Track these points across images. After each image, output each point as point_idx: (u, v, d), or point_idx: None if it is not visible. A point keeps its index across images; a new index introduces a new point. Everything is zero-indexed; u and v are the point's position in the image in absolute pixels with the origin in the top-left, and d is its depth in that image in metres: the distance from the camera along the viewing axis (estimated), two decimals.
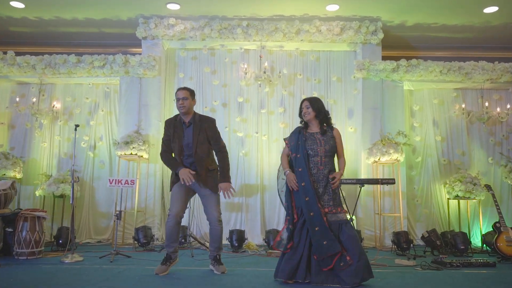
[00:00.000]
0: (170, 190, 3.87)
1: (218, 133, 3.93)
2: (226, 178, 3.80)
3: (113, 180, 4.71)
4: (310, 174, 3.42)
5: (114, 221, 4.72)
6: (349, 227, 3.43)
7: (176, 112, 3.93)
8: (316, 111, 3.56)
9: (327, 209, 3.41)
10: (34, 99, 6.43)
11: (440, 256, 4.70)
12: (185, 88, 3.87)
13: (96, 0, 5.94)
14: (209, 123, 3.88)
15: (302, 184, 3.41)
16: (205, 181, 3.77)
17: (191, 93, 3.87)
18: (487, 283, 3.55)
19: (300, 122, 3.72)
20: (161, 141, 3.97)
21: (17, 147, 6.53)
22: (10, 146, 6.52)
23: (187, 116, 3.84)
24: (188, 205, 4.18)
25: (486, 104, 6.51)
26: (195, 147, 3.74)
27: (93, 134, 6.60)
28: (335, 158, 3.65)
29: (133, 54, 6.68)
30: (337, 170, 3.62)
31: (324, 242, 3.27)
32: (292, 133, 3.68)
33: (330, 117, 3.67)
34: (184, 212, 3.85)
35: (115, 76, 6.46)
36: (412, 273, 4.01)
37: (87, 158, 6.52)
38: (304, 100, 3.67)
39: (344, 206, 4.15)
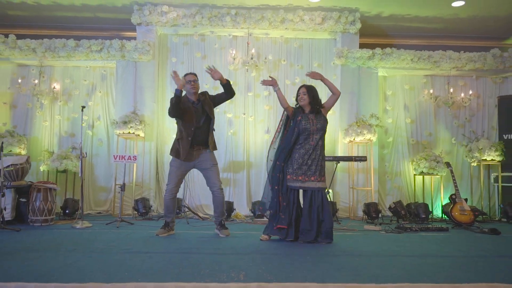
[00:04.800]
0: (172, 163, 4.39)
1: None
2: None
3: (117, 156, 5.24)
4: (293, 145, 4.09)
5: (119, 192, 5.26)
6: (324, 194, 4.09)
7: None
8: (311, 98, 4.16)
9: (313, 178, 4.05)
10: (36, 81, 6.83)
11: (403, 222, 5.44)
12: (193, 73, 4.46)
13: None
14: (207, 94, 4.52)
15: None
16: (212, 147, 4.40)
17: (196, 75, 4.46)
18: (438, 242, 4.27)
19: (295, 105, 4.31)
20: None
21: (19, 126, 6.95)
22: (13, 125, 6.94)
23: (194, 96, 4.38)
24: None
25: (452, 90, 7.21)
26: (209, 113, 4.35)
27: (91, 114, 7.06)
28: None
29: (127, 38, 7.13)
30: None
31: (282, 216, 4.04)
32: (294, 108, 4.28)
33: (322, 105, 4.24)
34: (179, 187, 4.44)
35: (111, 60, 6.90)
36: (377, 235, 4.72)
37: (86, 136, 7.00)
38: (302, 86, 4.26)
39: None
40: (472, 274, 2.76)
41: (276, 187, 4.12)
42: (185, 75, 4.44)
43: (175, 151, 4.38)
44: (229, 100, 6.99)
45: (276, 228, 4.07)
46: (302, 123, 4.09)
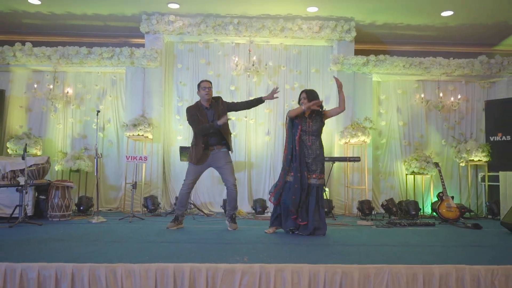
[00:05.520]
0: (191, 163, 4.77)
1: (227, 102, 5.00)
2: (260, 98, 4.93)
3: (129, 156, 5.68)
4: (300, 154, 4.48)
5: (131, 190, 5.70)
6: (321, 191, 4.51)
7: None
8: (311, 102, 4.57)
9: (314, 175, 4.47)
10: (51, 86, 7.28)
11: (393, 218, 5.87)
12: (208, 80, 4.87)
13: None
14: (221, 99, 4.92)
15: (289, 156, 4.49)
16: (227, 147, 4.80)
17: (211, 82, 4.90)
18: (422, 235, 4.70)
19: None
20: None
21: (34, 128, 7.40)
22: (28, 127, 7.39)
23: (207, 102, 4.80)
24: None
25: (441, 94, 7.64)
26: (219, 117, 4.70)
27: (102, 117, 7.50)
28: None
29: (136, 45, 7.59)
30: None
31: (293, 197, 4.38)
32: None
33: (322, 108, 4.63)
34: (195, 184, 4.88)
35: (121, 66, 7.35)
36: (368, 230, 5.15)
37: (97, 138, 7.42)
38: (303, 91, 4.66)
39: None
40: (443, 259, 3.19)
41: (296, 186, 4.43)
42: (201, 82, 4.86)
43: (189, 156, 4.82)
44: None
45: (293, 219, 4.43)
46: (300, 125, 4.52)
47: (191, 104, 5.11)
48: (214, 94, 7.36)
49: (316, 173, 4.47)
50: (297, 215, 4.41)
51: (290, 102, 7.64)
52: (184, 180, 4.85)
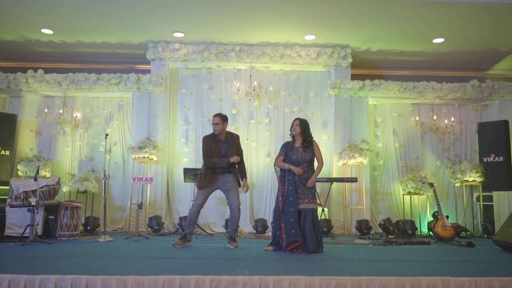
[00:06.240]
0: (198, 189, 5.07)
1: (241, 148, 5.30)
2: (245, 176, 5.18)
3: (135, 177, 5.94)
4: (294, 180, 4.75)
5: (136, 210, 5.94)
6: (315, 215, 4.75)
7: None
8: (302, 129, 4.90)
9: (306, 200, 4.74)
10: (61, 110, 7.61)
11: (389, 237, 6.07)
12: (218, 115, 5.12)
13: (113, 28, 7.12)
14: (237, 138, 5.24)
15: (290, 188, 4.73)
16: (236, 173, 5.09)
17: (222, 118, 5.11)
18: (417, 252, 4.89)
19: (290, 135, 5.03)
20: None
21: (43, 151, 7.69)
22: (38, 150, 7.68)
23: (221, 135, 5.10)
24: (192, 199, 5.74)
25: (435, 117, 7.93)
26: (230, 155, 5.01)
27: (109, 140, 7.77)
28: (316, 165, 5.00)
29: (141, 70, 7.97)
30: (323, 169, 4.96)
31: (292, 231, 4.59)
32: (283, 145, 5.01)
33: (311, 137, 4.97)
34: (204, 204, 5.11)
35: (128, 91, 7.69)
36: (365, 248, 5.34)
37: (104, 160, 7.71)
38: (296, 119, 5.00)
39: (318, 200, 5.61)
40: (432, 272, 3.40)
41: (291, 220, 4.67)
42: (213, 116, 5.19)
43: (197, 182, 5.11)
44: (233, 127, 7.82)
45: (291, 245, 4.63)
46: (293, 156, 4.81)
47: (197, 129, 5.42)
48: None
49: (308, 198, 4.73)
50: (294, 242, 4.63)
51: (289, 125, 7.90)
52: (193, 200, 5.11)
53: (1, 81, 7.51)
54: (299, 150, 4.88)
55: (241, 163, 5.21)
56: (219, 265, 3.60)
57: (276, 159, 5.02)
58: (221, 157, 5.03)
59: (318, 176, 5.14)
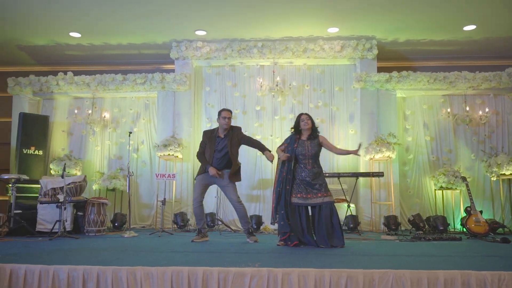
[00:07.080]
0: (194, 179, 5.12)
1: (245, 135, 5.31)
2: (267, 149, 5.14)
3: (159, 174, 6.04)
4: (294, 171, 4.70)
5: (160, 206, 6.03)
6: (333, 208, 4.63)
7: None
8: (312, 124, 4.83)
9: (320, 194, 4.63)
10: (90, 111, 7.86)
11: (418, 233, 5.83)
12: (229, 110, 5.16)
13: (138, 29, 7.28)
14: (239, 130, 5.22)
15: (288, 176, 4.67)
16: (231, 174, 5.04)
17: (231, 113, 5.19)
18: (445, 248, 4.65)
19: (291, 129, 4.96)
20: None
21: (74, 151, 7.97)
22: (69, 150, 7.97)
23: (225, 131, 5.10)
24: (215, 195, 6.01)
25: (468, 108, 7.56)
26: (229, 148, 5.00)
27: (136, 139, 7.96)
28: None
29: (166, 70, 8.09)
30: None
31: (282, 223, 4.61)
32: (288, 138, 4.94)
33: (318, 131, 4.93)
34: (203, 197, 5.14)
35: (153, 90, 7.83)
36: (391, 244, 5.15)
37: (131, 159, 7.88)
38: (304, 113, 4.92)
39: (344, 196, 5.52)
40: (452, 265, 3.21)
41: (282, 212, 4.66)
42: (221, 110, 5.16)
43: (199, 170, 5.18)
44: (257, 123, 7.79)
45: (293, 246, 4.59)
46: (299, 149, 4.72)
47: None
48: (240, 115, 7.85)
49: (321, 191, 4.62)
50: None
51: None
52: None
53: (34, 85, 7.85)
54: (306, 143, 4.79)
55: (254, 141, 5.27)
56: (232, 257, 3.57)
57: (278, 147, 4.97)
58: (213, 155, 5.03)
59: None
